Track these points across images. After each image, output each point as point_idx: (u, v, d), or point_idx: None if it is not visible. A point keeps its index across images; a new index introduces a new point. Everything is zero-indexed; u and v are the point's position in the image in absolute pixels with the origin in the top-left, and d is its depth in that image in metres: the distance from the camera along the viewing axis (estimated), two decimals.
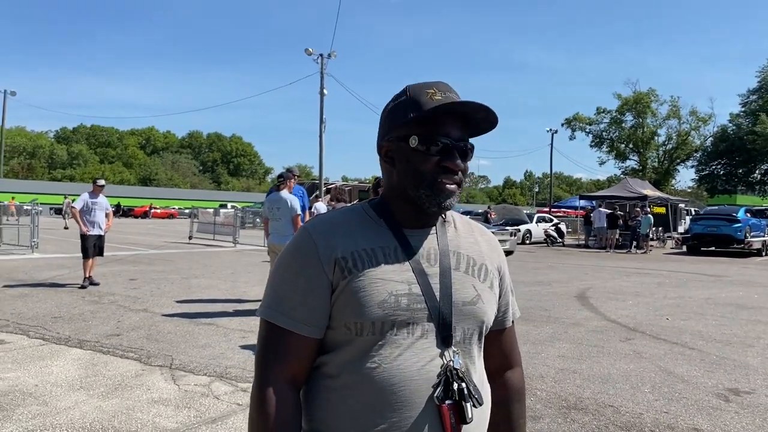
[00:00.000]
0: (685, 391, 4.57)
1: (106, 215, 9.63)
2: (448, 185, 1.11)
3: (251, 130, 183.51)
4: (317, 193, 24.45)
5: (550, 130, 48.40)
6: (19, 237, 15.39)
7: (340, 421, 1.08)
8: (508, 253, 15.47)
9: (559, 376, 4.88)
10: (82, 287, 8.93)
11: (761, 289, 11.11)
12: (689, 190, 57.84)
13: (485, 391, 1.17)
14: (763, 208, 28.74)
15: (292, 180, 7.61)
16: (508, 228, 21.15)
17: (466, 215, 1.35)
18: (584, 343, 6.16)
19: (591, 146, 56.44)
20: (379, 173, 1.22)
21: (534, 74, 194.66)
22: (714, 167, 50.79)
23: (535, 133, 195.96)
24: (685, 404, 4.25)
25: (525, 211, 32.80)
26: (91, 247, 9.23)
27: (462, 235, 1.22)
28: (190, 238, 21.76)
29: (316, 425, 1.11)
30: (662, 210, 27.55)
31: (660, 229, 26.41)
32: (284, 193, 7.29)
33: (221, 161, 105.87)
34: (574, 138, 56.46)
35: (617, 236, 23.10)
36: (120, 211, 47.86)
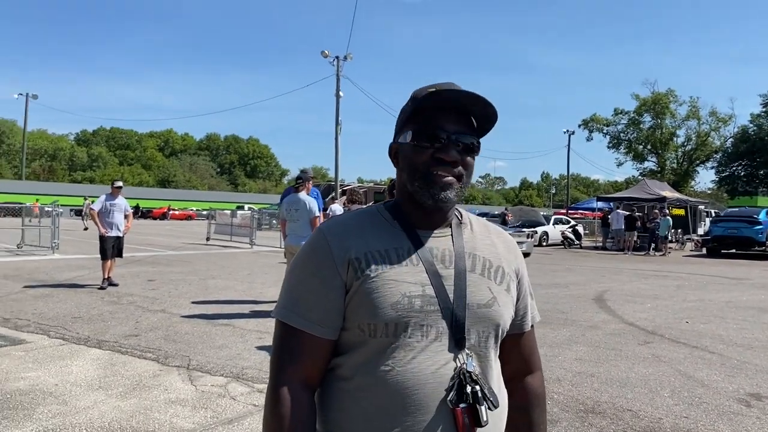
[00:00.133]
0: (706, 395, 4.50)
1: (126, 216, 9.69)
2: (442, 177, 1.10)
3: (268, 132, 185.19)
4: (333, 194, 24.51)
5: (567, 131, 48.11)
6: (40, 238, 15.62)
7: (354, 424, 1.07)
8: (524, 255, 15.38)
9: (576, 380, 4.84)
10: (101, 288, 9.04)
11: None
12: (709, 192, 57.07)
13: (502, 395, 1.16)
14: None
15: (310, 182, 7.63)
16: (524, 230, 21.06)
17: (482, 216, 1.34)
18: (602, 346, 6.09)
19: (608, 147, 56.10)
20: (394, 174, 1.22)
21: (552, 75, 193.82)
22: (734, 168, 50.13)
23: (551, 134, 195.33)
24: (705, 409, 4.18)
25: (542, 213, 32.60)
26: (110, 248, 9.32)
27: (478, 237, 1.21)
28: (208, 239, 21.96)
29: (330, 427, 1.10)
30: (681, 212, 27.25)
31: (679, 231, 26.14)
32: (303, 194, 7.29)
33: (238, 163, 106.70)
34: (591, 139, 56.16)
35: (635, 238, 22.87)
36: (139, 213, 48.39)
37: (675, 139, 54.40)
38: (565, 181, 58.52)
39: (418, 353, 1.06)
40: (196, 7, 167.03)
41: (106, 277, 9.26)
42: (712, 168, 53.89)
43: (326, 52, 28.24)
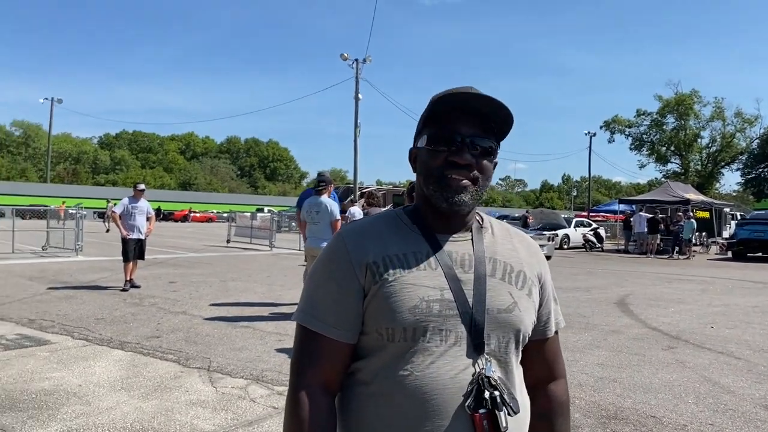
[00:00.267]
0: (732, 402, 4.41)
1: (148, 219, 9.78)
2: (457, 180, 1.09)
3: (287, 134, 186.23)
4: (352, 197, 24.55)
5: (588, 132, 47.67)
6: (64, 240, 15.89)
7: (373, 429, 1.07)
8: (545, 258, 15.26)
9: (598, 385, 4.77)
10: (124, 290, 9.16)
11: None
12: (734, 194, 56.15)
13: (524, 401, 1.15)
14: None
15: (332, 185, 7.64)
16: (545, 233, 20.85)
17: (503, 219, 1.32)
18: (624, 351, 6.00)
19: (631, 149, 55.45)
20: (412, 177, 1.22)
21: (572, 76, 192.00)
22: (761, 170, 49.27)
23: (572, 136, 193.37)
24: (731, 416, 4.10)
25: (563, 216, 32.28)
26: (131, 250, 9.41)
27: (499, 242, 1.20)
28: (228, 241, 22.15)
29: None
30: (706, 214, 26.81)
31: (704, 234, 25.68)
32: (324, 197, 7.29)
33: (258, 166, 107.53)
34: (613, 141, 55.58)
35: (658, 241, 22.55)
36: (160, 215, 49.03)
37: (699, 140, 53.59)
38: (587, 183, 57.91)
39: (437, 358, 1.05)
40: (218, 13, 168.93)
41: (128, 279, 9.37)
42: (737, 170, 53.07)
43: (345, 54, 28.38)
